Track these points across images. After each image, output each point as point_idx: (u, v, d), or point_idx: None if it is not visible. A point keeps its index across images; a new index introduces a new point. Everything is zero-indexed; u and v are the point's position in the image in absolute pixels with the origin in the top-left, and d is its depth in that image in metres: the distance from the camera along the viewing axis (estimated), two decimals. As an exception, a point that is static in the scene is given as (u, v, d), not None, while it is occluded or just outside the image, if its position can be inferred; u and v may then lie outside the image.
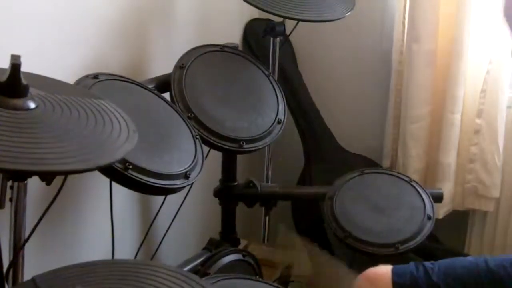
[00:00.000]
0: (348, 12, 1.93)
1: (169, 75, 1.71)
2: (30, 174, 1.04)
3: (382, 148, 2.42)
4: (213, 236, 2.01)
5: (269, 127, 1.78)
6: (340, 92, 2.51)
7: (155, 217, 1.84)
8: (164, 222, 1.88)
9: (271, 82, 1.89)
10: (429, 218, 1.76)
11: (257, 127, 1.76)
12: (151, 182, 1.36)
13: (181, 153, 1.49)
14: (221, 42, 1.91)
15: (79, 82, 1.45)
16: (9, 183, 1.09)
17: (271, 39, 2.00)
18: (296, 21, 1.93)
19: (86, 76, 1.47)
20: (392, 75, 2.35)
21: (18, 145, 0.95)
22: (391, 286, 1.40)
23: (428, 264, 1.44)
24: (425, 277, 1.41)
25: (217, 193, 2.03)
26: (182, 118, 1.60)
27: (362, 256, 1.73)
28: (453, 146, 2.27)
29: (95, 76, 1.47)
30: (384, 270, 1.44)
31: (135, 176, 1.33)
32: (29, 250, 1.18)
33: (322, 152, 2.42)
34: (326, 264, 1.23)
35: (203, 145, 1.57)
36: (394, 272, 1.43)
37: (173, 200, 1.78)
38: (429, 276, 1.41)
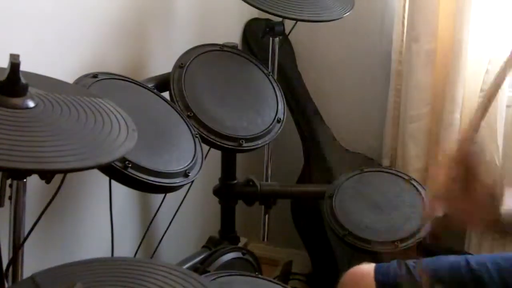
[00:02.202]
0: (347, 12, 1.93)
1: (168, 74, 1.71)
2: (29, 172, 1.04)
3: (381, 147, 2.42)
4: (213, 234, 2.01)
5: (269, 126, 1.78)
6: (340, 92, 2.51)
7: (154, 215, 1.85)
8: (164, 221, 1.88)
9: (270, 81, 1.89)
10: (428, 216, 1.77)
11: (256, 126, 1.76)
12: (151, 181, 1.36)
13: (180, 151, 1.49)
14: (220, 41, 1.91)
15: (78, 81, 1.45)
16: (9, 181, 1.09)
17: (271, 39, 2.00)
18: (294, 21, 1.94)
19: (85, 75, 1.47)
20: (392, 75, 2.35)
21: (17, 143, 0.95)
22: (374, 284, 1.40)
23: (410, 262, 1.43)
24: (408, 275, 1.41)
25: (217, 192, 2.03)
26: (181, 117, 1.60)
27: (361, 254, 1.74)
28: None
29: (95, 75, 1.48)
30: (367, 268, 1.43)
31: (134, 174, 1.34)
32: (29, 248, 1.18)
33: (322, 151, 2.42)
34: None
35: (202, 144, 1.58)
36: (376, 270, 1.42)
37: (172, 198, 1.78)
38: (412, 275, 1.41)
